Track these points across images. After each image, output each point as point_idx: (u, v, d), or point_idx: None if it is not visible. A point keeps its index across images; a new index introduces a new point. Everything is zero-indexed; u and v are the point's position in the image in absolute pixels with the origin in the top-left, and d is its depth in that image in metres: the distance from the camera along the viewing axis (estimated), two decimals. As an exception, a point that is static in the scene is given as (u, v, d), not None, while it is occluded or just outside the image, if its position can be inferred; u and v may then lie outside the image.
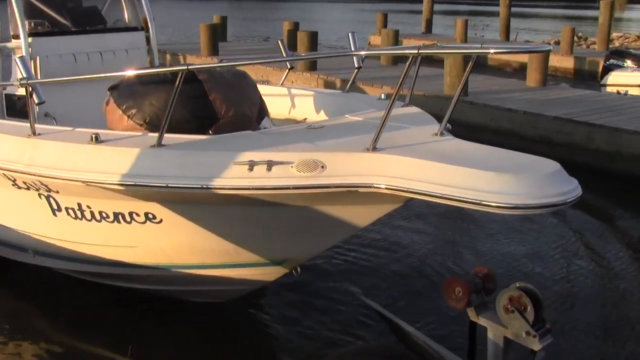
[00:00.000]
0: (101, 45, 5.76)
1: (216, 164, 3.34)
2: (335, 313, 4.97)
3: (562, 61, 18.24)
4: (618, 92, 12.25)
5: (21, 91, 4.69)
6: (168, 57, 16.87)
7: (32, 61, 5.32)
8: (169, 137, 3.56)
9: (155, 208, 3.83)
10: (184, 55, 16.77)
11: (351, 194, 3.19)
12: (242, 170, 3.27)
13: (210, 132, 3.99)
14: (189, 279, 4.30)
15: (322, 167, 3.18)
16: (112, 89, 4.28)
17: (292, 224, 3.67)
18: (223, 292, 4.48)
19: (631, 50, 16.06)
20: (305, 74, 13.48)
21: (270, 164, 3.24)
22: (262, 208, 3.54)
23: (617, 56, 13.75)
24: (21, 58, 4.22)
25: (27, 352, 4.46)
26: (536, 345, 2.89)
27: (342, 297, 5.19)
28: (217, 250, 4.02)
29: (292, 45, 15.16)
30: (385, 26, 23.43)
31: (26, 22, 5.42)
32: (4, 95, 5.48)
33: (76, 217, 4.14)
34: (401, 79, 3.11)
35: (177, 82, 3.39)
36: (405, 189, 2.97)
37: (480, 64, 18.65)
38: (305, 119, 4.92)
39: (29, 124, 4.00)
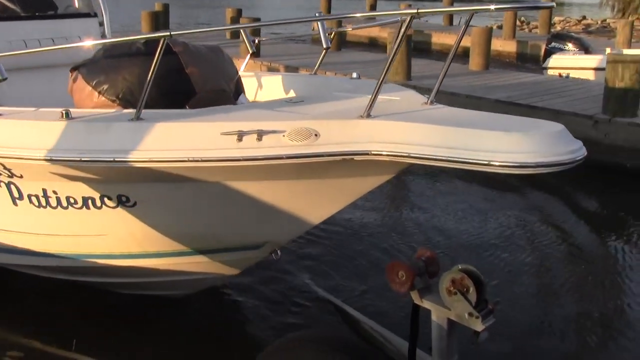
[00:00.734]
0: (53, 32, 5.47)
1: (203, 135, 3.20)
2: (280, 299, 4.97)
3: (504, 45, 18.63)
4: (560, 75, 12.55)
5: None
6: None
7: None
8: (146, 112, 3.39)
9: (129, 190, 3.66)
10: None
11: (346, 163, 3.10)
12: (231, 140, 3.13)
13: (187, 107, 3.83)
14: (162, 268, 4.11)
15: (316, 135, 3.07)
16: (79, 66, 4.08)
17: (279, 201, 3.56)
18: (198, 281, 4.30)
19: (572, 34, 16.56)
20: (249, 61, 13.28)
21: (260, 134, 3.11)
22: (248, 183, 3.42)
23: (559, 40, 14.11)
24: None
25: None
26: (479, 326, 2.93)
27: (288, 283, 5.19)
28: (194, 235, 3.87)
29: (234, 33, 14.93)
30: (329, 12, 23.47)
31: None
32: None
33: (40, 205, 3.92)
34: (398, 40, 3.03)
35: (158, 49, 3.23)
36: (408, 154, 2.89)
37: (423, 49, 18.89)
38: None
39: None
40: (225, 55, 4.36)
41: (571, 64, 12.92)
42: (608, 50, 11.64)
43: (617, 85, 9.29)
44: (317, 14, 4.31)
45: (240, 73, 5.09)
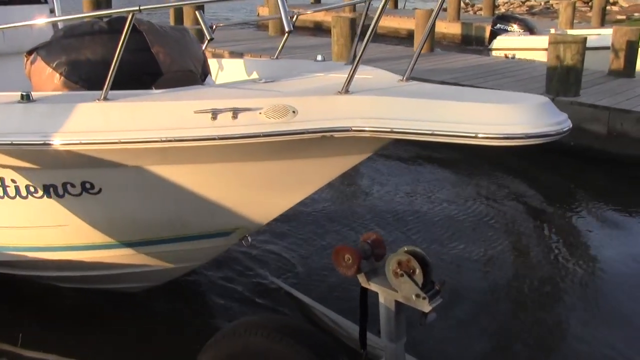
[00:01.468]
0: (2, 19, 5.22)
1: (175, 114, 3.10)
2: (231, 285, 4.96)
3: (449, 27, 18.79)
4: (505, 56, 12.74)
5: None
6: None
7: None
8: (112, 93, 3.26)
9: (94, 175, 3.53)
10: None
11: (325, 141, 3.03)
12: (204, 119, 3.04)
13: (154, 88, 3.70)
14: (125, 260, 3.98)
15: (294, 112, 3.00)
16: (37, 48, 3.91)
17: (253, 183, 3.47)
18: (163, 272, 4.17)
19: (516, 15, 16.81)
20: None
21: (236, 112, 3.02)
22: (221, 165, 3.33)
23: (503, 21, 14.33)
24: None
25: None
26: (426, 307, 2.95)
27: (238, 269, 5.16)
28: (161, 223, 3.75)
29: (178, 20, 14.70)
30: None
31: None
32: None
33: None
34: (377, 14, 2.95)
35: (127, 25, 3.10)
36: (390, 129, 2.84)
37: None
38: None
39: None
40: (191, 35, 4.24)
41: (516, 44, 13.11)
42: (552, 31, 11.86)
43: (559, 65, 9.50)
44: None
45: None
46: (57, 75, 3.73)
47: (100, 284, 4.40)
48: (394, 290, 3.05)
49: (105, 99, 3.21)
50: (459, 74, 10.69)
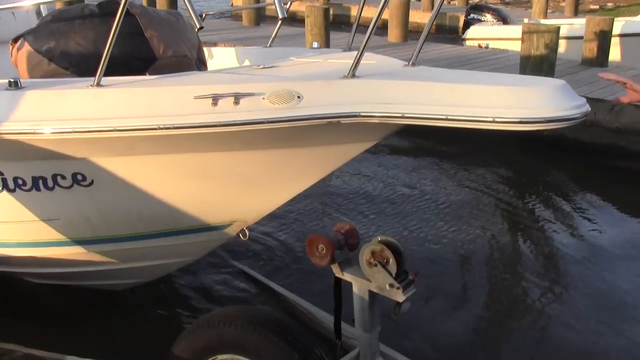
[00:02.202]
0: None
1: (173, 100, 2.87)
2: (205, 276, 4.84)
3: (423, 17, 18.56)
4: (479, 46, 12.65)
5: None
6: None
7: None
8: (106, 79, 3.02)
9: (86, 167, 3.28)
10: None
11: (331, 127, 2.82)
12: (205, 105, 2.81)
13: (147, 74, 3.46)
14: (116, 255, 3.74)
15: (299, 97, 2.78)
16: (23, 34, 3.65)
17: (252, 173, 3.25)
18: (155, 268, 3.92)
19: (490, 5, 16.77)
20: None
21: (237, 97, 2.80)
22: (220, 154, 3.11)
23: (477, 11, 14.23)
24: None
25: None
26: (400, 296, 2.88)
27: (212, 260, 5.00)
28: (154, 216, 3.51)
29: (151, 4, 14.38)
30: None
31: None
32: None
33: None
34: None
35: (121, 7, 2.85)
36: (402, 115, 2.64)
37: (343, 22, 18.77)
38: None
39: None
40: (185, 20, 3.95)
41: (490, 34, 13.01)
42: (526, 20, 11.85)
43: (532, 54, 9.47)
44: None
45: None
46: (47, 61, 3.48)
47: (90, 281, 4.14)
48: (367, 280, 2.98)
49: (99, 85, 2.96)
50: (433, 63, 10.48)
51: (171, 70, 3.42)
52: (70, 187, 3.36)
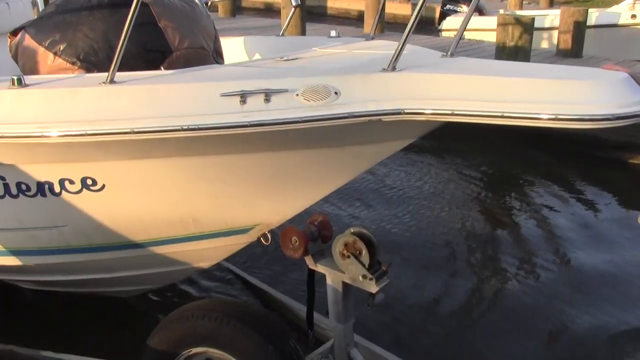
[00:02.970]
0: None
1: (197, 98, 2.51)
2: None
3: (399, 8, 18.27)
4: (455, 37, 12.48)
5: None
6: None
7: None
8: (119, 75, 2.66)
9: (97, 170, 2.92)
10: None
11: (369, 125, 2.48)
12: (232, 103, 2.47)
13: (162, 68, 3.12)
14: (127, 262, 3.41)
15: (336, 93, 2.45)
16: (23, 27, 3.28)
17: (279, 175, 2.93)
18: (168, 274, 3.60)
19: (466, -4, 16.55)
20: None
21: (268, 93, 2.46)
22: (245, 156, 2.77)
23: (453, 2, 13.96)
24: None
25: None
26: (373, 287, 2.84)
27: None
28: (171, 221, 3.16)
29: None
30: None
31: None
32: None
33: None
34: None
35: None
36: (451, 112, 2.31)
37: (320, 13, 18.45)
38: None
39: None
40: (201, 8, 3.59)
41: (466, 25, 12.85)
42: (501, 11, 11.69)
43: (508, 45, 9.38)
44: None
45: None
46: (51, 55, 3.11)
47: (97, 288, 3.78)
48: (341, 272, 2.93)
49: (112, 81, 2.59)
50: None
51: (187, 63, 3.08)
52: (79, 192, 2.99)
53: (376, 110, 2.44)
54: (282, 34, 4.20)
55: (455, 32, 12.54)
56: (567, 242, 5.59)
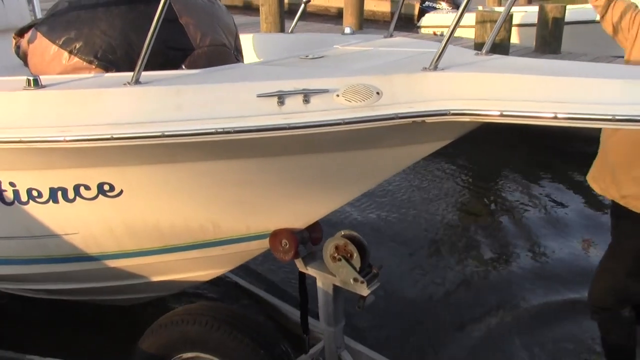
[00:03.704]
0: None
1: (232, 99, 2.32)
2: None
3: (378, 5, 18.15)
4: (434, 34, 12.37)
5: None
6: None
7: None
8: (143, 76, 2.47)
9: (116, 175, 2.73)
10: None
11: (412, 127, 2.33)
12: (270, 104, 2.29)
13: (183, 67, 2.94)
14: (142, 269, 3.24)
15: (378, 93, 2.29)
16: (34, 25, 3.09)
17: (307, 179, 2.76)
18: (182, 282, 3.44)
19: (444, -8, 16.52)
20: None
21: (307, 94, 2.29)
22: (274, 159, 2.60)
23: (431, -1, 14.06)
24: None
25: None
26: (364, 290, 2.84)
27: None
28: (189, 227, 2.99)
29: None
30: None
31: None
32: None
33: None
34: None
35: None
36: (500, 112, 2.16)
37: (297, 11, 18.15)
38: None
39: None
40: (220, 4, 3.40)
41: (445, 22, 12.66)
42: (480, 8, 11.66)
43: (484, 42, 9.34)
44: None
45: None
46: (66, 54, 2.90)
47: (107, 296, 3.61)
48: (331, 275, 2.91)
49: (138, 82, 2.40)
50: (389, 51, 10.23)
51: (209, 61, 2.91)
52: (95, 198, 2.80)
53: (422, 111, 2.29)
54: (292, 31, 4.03)
55: (434, 29, 12.56)
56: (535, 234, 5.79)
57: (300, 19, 3.78)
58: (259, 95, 2.32)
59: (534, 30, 10.79)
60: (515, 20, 9.96)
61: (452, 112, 2.27)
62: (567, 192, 6.85)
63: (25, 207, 2.89)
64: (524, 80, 2.23)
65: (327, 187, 2.82)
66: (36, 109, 2.45)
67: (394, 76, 2.36)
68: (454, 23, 2.36)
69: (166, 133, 2.33)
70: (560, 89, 2.18)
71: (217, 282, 4.37)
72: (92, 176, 2.75)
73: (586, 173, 3.52)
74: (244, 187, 2.78)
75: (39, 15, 4.70)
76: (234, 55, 3.25)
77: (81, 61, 2.90)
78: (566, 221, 6.06)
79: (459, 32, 12.72)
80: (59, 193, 2.82)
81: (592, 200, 6.37)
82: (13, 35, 3.28)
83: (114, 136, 2.35)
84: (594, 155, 3.50)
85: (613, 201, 3.33)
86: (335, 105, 2.31)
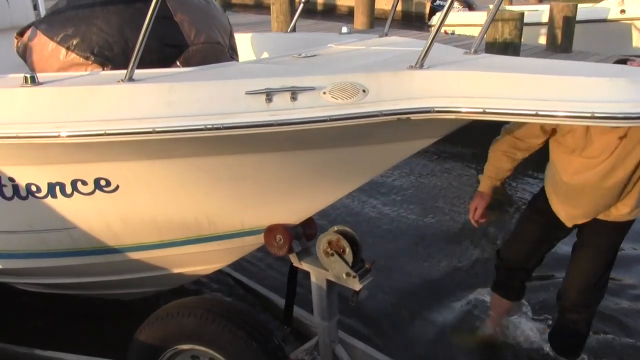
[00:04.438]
0: None
1: (222, 96, 2.38)
2: None
3: (389, 4, 18.12)
4: (445, 32, 12.41)
5: None
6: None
7: None
8: (136, 73, 2.53)
9: (112, 171, 2.80)
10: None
11: (397, 124, 2.37)
12: (257, 101, 2.34)
13: (178, 63, 2.99)
14: (139, 264, 3.29)
15: (364, 91, 2.34)
16: (34, 24, 3.15)
17: (298, 175, 2.82)
18: (178, 277, 3.48)
19: (456, -10, 16.50)
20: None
21: (294, 91, 2.34)
22: (265, 155, 2.66)
23: (443, -2, 14.05)
24: None
25: None
26: (357, 285, 2.90)
27: None
28: (185, 222, 3.05)
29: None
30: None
31: None
32: None
33: None
34: None
35: None
36: (483, 110, 2.20)
37: (309, 9, 18.34)
38: None
39: None
40: (215, 3, 3.46)
41: (456, 20, 12.72)
42: (491, 7, 11.63)
43: (497, 40, 9.40)
44: None
45: None
46: (64, 50, 2.96)
47: (106, 290, 3.67)
48: (325, 270, 2.97)
49: (131, 79, 2.46)
50: (399, 49, 10.24)
51: (203, 58, 2.96)
52: (92, 193, 2.86)
53: (406, 109, 2.33)
54: (290, 31, 4.09)
55: (445, 28, 12.54)
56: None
57: (310, 17, 3.80)
58: (248, 93, 2.38)
59: (545, 29, 10.77)
60: (527, 19, 9.94)
61: (436, 109, 2.31)
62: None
63: (25, 202, 2.96)
64: (507, 78, 2.27)
65: (319, 183, 2.87)
66: (33, 106, 2.52)
67: (380, 74, 2.41)
68: (439, 22, 2.39)
69: (157, 129, 2.39)
70: (542, 86, 2.23)
71: (214, 276, 4.44)
72: (89, 171, 2.81)
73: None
74: (238, 182, 2.84)
75: (42, 12, 4.76)
76: (229, 53, 3.31)
77: (78, 57, 2.97)
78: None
79: (469, 32, 12.80)
80: (57, 188, 2.89)
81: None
82: (15, 34, 3.34)
83: (107, 132, 2.42)
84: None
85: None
86: (322, 103, 2.36)
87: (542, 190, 3.68)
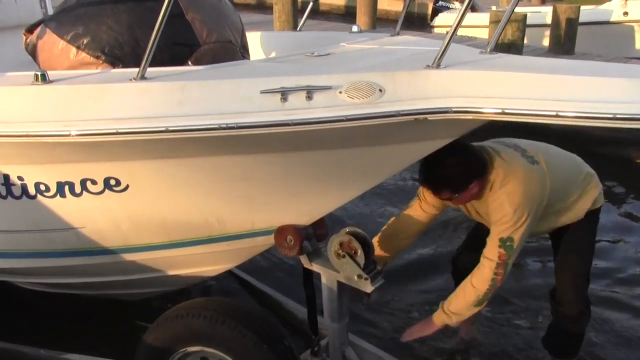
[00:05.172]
0: None
1: (235, 95, 2.34)
2: None
3: (392, 4, 18.14)
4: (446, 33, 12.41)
5: None
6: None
7: None
8: (148, 72, 2.49)
9: (122, 170, 2.75)
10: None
11: (413, 124, 2.33)
12: (272, 100, 2.30)
13: (189, 62, 2.95)
14: (148, 263, 3.25)
15: (380, 90, 2.30)
16: (43, 21, 3.11)
17: (310, 176, 2.77)
18: (186, 278, 3.44)
19: (458, -8, 16.50)
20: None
21: (310, 91, 2.30)
22: (278, 155, 2.61)
23: (445, -1, 14.04)
24: None
25: None
26: (368, 287, 2.86)
27: None
28: (195, 222, 3.00)
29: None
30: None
31: None
32: None
33: None
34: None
35: None
36: (501, 110, 2.15)
37: (312, 9, 18.26)
38: None
39: None
40: (227, 1, 3.41)
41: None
42: (494, 8, 11.64)
43: (500, 42, 9.36)
44: None
45: None
46: (74, 49, 2.92)
47: (113, 290, 3.62)
48: (336, 271, 2.92)
49: (143, 77, 2.42)
50: (401, 49, 10.22)
51: (215, 57, 2.91)
52: (101, 192, 2.82)
53: (423, 109, 2.29)
54: (300, 29, 4.04)
55: (447, 29, 12.54)
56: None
57: (312, 17, 3.78)
58: (262, 92, 2.34)
59: (547, 30, 10.74)
60: (529, 21, 9.91)
61: (453, 109, 2.26)
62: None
63: (33, 201, 2.92)
64: (526, 78, 2.23)
65: (331, 184, 2.82)
66: (43, 104, 2.48)
67: (397, 73, 2.36)
68: (457, 21, 2.35)
69: (170, 128, 2.35)
70: (562, 87, 2.18)
71: (223, 278, 4.38)
72: (99, 171, 2.77)
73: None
74: (249, 182, 2.80)
75: (50, 12, 4.71)
76: (240, 52, 3.27)
77: (88, 56, 2.93)
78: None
79: (473, 33, 12.76)
80: (66, 187, 2.84)
81: (622, 204, 6.27)
82: (23, 31, 3.30)
83: (119, 131, 2.38)
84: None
85: None
86: (338, 102, 2.32)
87: None
